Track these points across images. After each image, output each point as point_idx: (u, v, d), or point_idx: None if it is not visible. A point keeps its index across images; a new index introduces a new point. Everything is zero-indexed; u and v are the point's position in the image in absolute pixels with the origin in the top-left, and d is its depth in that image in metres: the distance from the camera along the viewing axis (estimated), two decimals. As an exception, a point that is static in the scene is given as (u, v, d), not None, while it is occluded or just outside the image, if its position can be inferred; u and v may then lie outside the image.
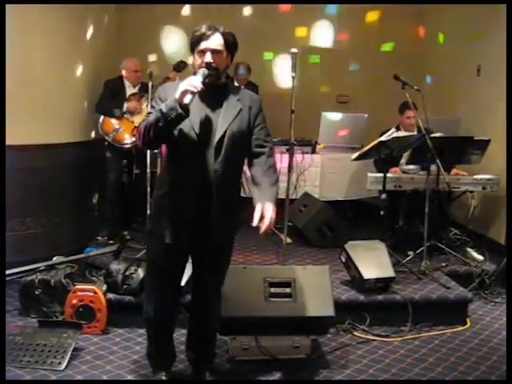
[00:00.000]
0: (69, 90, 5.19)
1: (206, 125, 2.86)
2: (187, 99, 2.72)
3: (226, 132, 2.86)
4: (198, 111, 2.85)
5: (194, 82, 2.74)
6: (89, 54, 5.51)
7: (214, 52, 2.84)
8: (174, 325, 3.29)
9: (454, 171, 5.32)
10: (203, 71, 2.80)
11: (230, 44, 2.91)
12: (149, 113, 2.91)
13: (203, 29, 2.85)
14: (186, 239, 2.94)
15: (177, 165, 2.91)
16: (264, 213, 2.82)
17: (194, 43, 2.88)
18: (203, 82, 2.76)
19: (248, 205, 6.49)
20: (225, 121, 2.87)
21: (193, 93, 2.72)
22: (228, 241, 3.11)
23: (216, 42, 2.85)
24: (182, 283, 3.25)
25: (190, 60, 3.22)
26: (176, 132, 2.83)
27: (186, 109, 2.72)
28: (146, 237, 3.25)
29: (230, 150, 2.87)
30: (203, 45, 2.84)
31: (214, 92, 2.89)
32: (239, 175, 3.08)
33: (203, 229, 2.91)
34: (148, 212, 3.22)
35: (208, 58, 2.83)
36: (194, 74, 2.85)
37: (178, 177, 2.90)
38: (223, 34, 2.87)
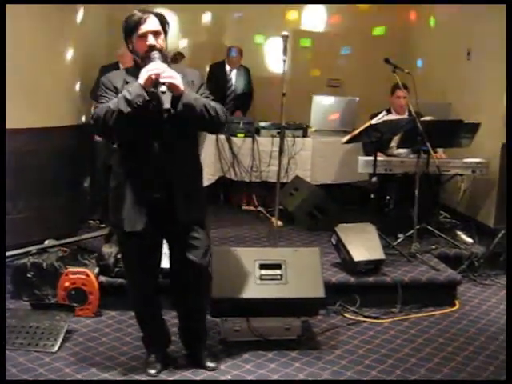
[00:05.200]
0: (60, 74, 5.14)
1: (156, 105, 2.86)
2: (164, 87, 2.74)
3: (176, 108, 2.86)
4: None
5: (159, 65, 2.77)
6: (79, 38, 5.46)
7: (155, 34, 2.86)
8: (159, 309, 3.30)
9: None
10: (158, 54, 2.83)
11: (164, 24, 2.93)
12: (101, 102, 2.88)
13: (138, 13, 2.87)
14: (155, 222, 2.94)
15: (131, 149, 2.92)
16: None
17: (131, 29, 2.88)
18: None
19: (239, 189, 6.50)
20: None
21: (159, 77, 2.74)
22: (199, 218, 3.09)
23: (154, 23, 2.88)
24: (165, 265, 3.24)
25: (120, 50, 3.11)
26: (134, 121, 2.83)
27: (154, 94, 2.75)
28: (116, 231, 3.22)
29: (182, 126, 2.90)
30: (143, 28, 2.86)
31: None
32: (196, 150, 3.12)
33: (170, 208, 2.93)
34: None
35: (151, 40, 2.85)
36: (142, 60, 2.87)
37: (136, 160, 2.91)
38: (156, 16, 2.90)
